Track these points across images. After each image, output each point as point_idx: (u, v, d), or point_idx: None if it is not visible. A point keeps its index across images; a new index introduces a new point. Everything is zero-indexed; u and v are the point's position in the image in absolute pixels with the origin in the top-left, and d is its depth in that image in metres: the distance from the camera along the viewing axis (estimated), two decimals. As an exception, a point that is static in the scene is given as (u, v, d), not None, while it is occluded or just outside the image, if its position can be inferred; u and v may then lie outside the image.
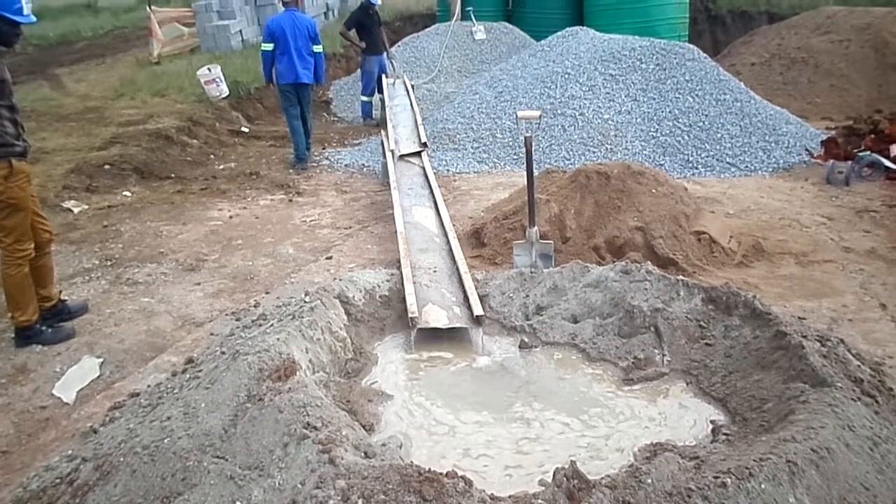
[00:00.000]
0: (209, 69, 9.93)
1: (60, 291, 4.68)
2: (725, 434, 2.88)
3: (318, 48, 8.06)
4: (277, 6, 13.11)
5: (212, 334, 4.29)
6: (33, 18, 4.15)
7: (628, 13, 12.55)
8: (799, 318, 4.00)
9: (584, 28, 10.15)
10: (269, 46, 7.85)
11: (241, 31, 13.45)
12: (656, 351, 3.54)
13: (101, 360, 4.11)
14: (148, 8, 13.40)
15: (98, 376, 3.96)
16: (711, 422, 3.02)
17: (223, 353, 3.26)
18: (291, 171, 8.13)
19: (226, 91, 10.03)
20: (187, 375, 3.24)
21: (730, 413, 3.09)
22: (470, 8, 13.63)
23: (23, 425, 3.56)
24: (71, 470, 2.72)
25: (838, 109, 10.11)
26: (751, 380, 3.16)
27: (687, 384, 3.35)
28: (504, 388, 3.41)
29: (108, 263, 5.50)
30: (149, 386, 3.45)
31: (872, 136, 7.60)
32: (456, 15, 13.61)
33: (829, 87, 10.79)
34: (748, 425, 2.92)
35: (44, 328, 4.33)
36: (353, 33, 10.38)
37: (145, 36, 13.70)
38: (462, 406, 3.26)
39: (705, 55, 8.96)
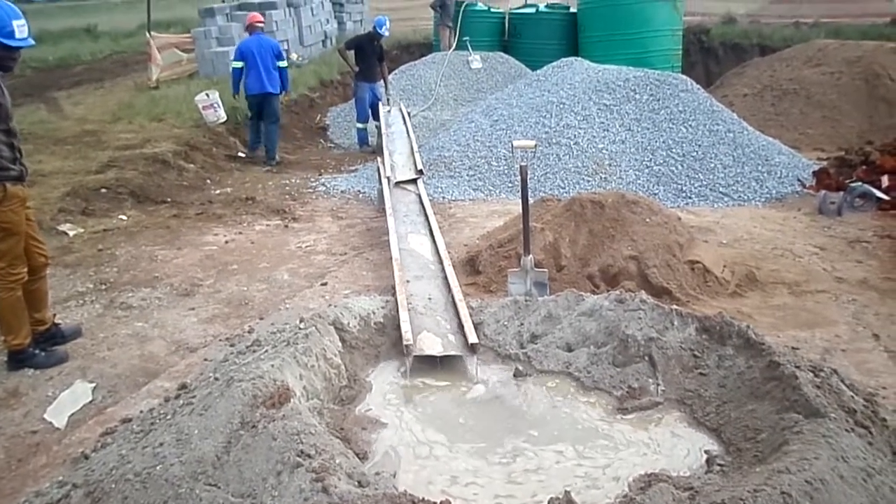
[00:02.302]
0: (207, 94, 9.99)
1: (54, 315, 4.66)
2: (720, 464, 2.88)
3: (282, 63, 9.48)
4: (280, 33, 13.37)
5: (205, 360, 4.27)
6: (31, 42, 4.01)
7: (622, 44, 12.74)
8: (792, 348, 4.01)
9: (579, 58, 10.29)
10: (238, 64, 9.32)
11: (239, 57, 13.58)
12: (650, 380, 3.54)
13: (93, 384, 4.08)
14: (147, 34, 13.52)
15: (90, 401, 3.93)
16: (706, 452, 3.02)
17: (217, 379, 3.25)
18: (266, 168, 9.50)
19: (223, 116, 10.09)
20: (180, 401, 3.23)
21: (724, 443, 3.09)
22: (466, 38, 13.83)
23: (13, 450, 3.52)
24: (61, 496, 2.69)
25: (830, 140, 10.23)
26: (745, 410, 3.16)
27: (681, 413, 3.35)
28: (498, 417, 3.40)
29: (103, 287, 5.48)
30: (141, 411, 3.43)
31: (864, 166, 7.70)
32: (452, 44, 13.80)
33: (820, 118, 10.93)
34: (742, 456, 2.92)
35: (36, 352, 4.30)
36: (350, 54, 10.50)
37: (144, 61, 13.80)
38: (456, 434, 3.26)
39: (698, 86, 9.08)
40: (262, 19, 9.78)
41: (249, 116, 9.88)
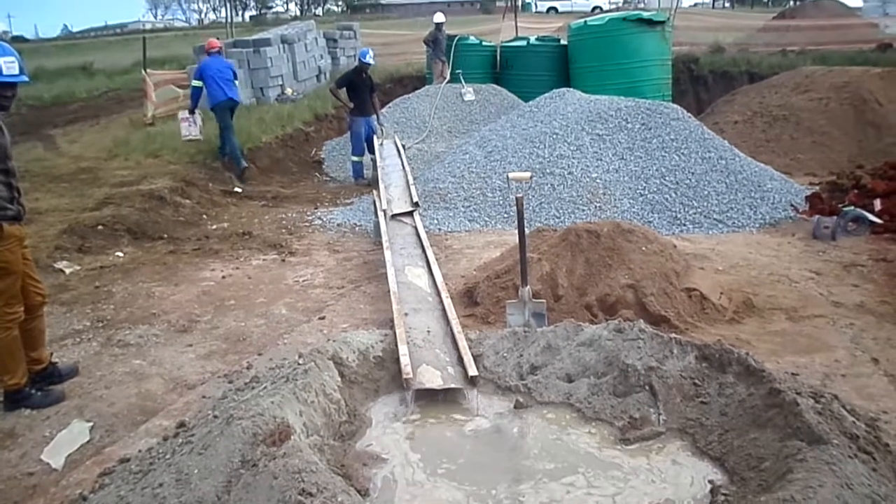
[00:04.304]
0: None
1: (51, 354, 4.63)
2: (724, 494, 2.86)
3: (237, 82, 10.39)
4: (275, 69, 13.54)
5: (204, 397, 4.24)
6: (23, 78, 3.98)
7: (613, 75, 12.91)
8: (792, 374, 4.00)
9: (571, 89, 10.40)
10: (198, 83, 10.16)
11: (234, 93, 13.72)
12: (652, 410, 3.53)
13: (90, 424, 4.04)
14: (143, 71, 13.64)
15: (88, 441, 3.89)
16: (710, 482, 3.00)
17: (216, 416, 3.24)
18: (234, 177, 10.10)
19: (197, 134, 10.69)
20: (179, 440, 3.21)
21: (727, 472, 3.08)
22: (459, 70, 14.00)
23: (9, 492, 3.47)
24: (59, 540, 2.66)
25: (821, 165, 10.33)
26: (747, 438, 3.15)
27: (683, 443, 3.34)
28: (500, 450, 3.39)
29: (100, 325, 5.46)
30: (140, 451, 3.40)
31: (855, 190, 7.77)
32: (446, 77, 13.96)
33: (810, 143, 11.05)
34: (746, 485, 2.91)
35: (33, 391, 4.26)
36: (343, 92, 10.65)
37: (140, 97, 13.90)
38: (458, 468, 3.23)
39: (689, 114, 9.18)
40: (218, 45, 10.80)
41: (224, 129, 10.19)
